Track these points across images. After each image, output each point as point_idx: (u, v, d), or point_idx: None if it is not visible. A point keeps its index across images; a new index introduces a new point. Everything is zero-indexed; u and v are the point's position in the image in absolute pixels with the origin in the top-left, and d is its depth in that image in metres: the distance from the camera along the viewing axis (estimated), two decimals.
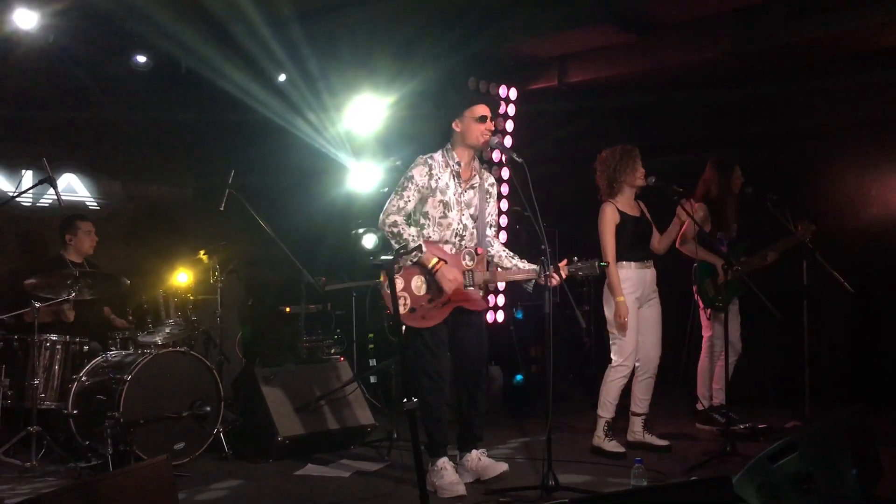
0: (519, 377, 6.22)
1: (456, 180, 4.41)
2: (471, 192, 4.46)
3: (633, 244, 5.09)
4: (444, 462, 4.28)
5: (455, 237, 4.38)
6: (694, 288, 5.75)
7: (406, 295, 4.23)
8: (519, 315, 7.01)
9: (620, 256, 5.04)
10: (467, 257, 4.38)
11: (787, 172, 6.84)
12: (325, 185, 7.23)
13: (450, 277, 4.21)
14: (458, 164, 4.41)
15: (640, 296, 5.08)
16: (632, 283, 5.05)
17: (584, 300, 6.95)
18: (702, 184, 5.80)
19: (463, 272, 4.31)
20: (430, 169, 4.35)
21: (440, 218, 4.35)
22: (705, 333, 5.84)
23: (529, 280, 4.37)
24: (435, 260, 4.21)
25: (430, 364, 4.26)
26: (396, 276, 4.14)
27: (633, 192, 5.15)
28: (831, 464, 3.55)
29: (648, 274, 5.15)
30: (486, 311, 4.58)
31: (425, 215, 4.36)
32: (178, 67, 6.40)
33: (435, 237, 4.35)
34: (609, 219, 5.05)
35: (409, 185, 4.33)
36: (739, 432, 5.27)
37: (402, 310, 4.15)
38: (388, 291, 4.08)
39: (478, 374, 4.46)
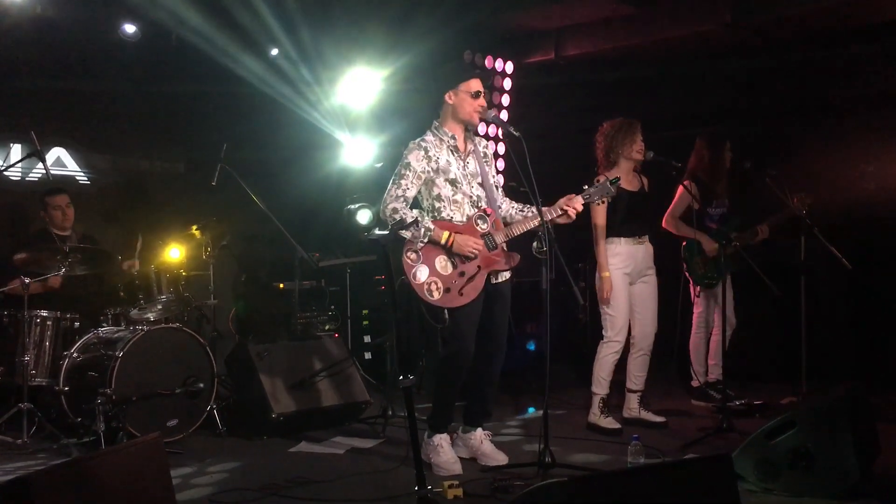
0: (531, 345, 6.17)
1: (455, 155, 4.31)
2: (472, 162, 4.37)
3: (627, 219, 5.03)
4: (442, 439, 4.24)
5: (473, 209, 4.27)
6: (683, 265, 5.73)
7: (436, 279, 4.09)
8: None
9: (611, 231, 4.99)
10: (479, 221, 4.25)
11: (785, 146, 6.78)
12: (318, 160, 7.15)
13: (469, 244, 4.12)
14: (453, 138, 4.31)
15: (631, 271, 5.04)
16: (622, 258, 5.01)
17: (580, 276, 6.90)
18: (692, 159, 5.75)
19: (482, 236, 4.21)
20: (426, 151, 4.23)
21: (453, 196, 4.24)
22: (696, 310, 5.83)
23: (537, 237, 4.20)
24: (446, 234, 4.11)
25: (459, 345, 4.17)
26: (420, 263, 4.06)
27: (632, 165, 5.08)
28: (830, 440, 3.54)
29: (641, 250, 5.09)
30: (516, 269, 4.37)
31: (438, 198, 4.24)
32: (168, 38, 6.28)
33: (458, 217, 4.23)
34: None
35: (407, 172, 4.20)
36: (735, 408, 5.26)
37: (437, 295, 4.05)
38: (408, 260, 4.02)
39: (501, 344, 4.38)
